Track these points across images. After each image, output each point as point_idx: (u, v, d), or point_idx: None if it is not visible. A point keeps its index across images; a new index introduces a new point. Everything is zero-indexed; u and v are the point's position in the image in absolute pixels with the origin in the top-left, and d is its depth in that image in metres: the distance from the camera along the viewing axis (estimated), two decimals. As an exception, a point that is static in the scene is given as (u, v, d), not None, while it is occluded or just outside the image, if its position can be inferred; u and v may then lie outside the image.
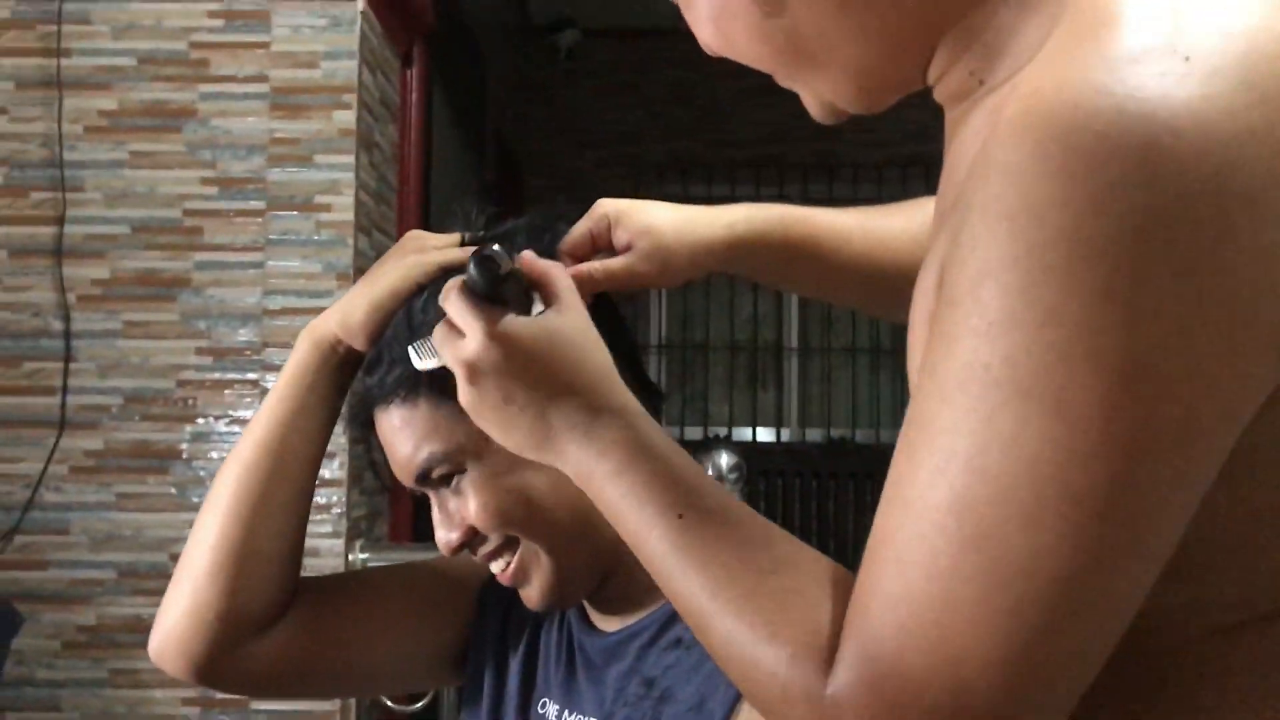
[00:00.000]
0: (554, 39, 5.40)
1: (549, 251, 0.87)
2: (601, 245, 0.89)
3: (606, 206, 0.89)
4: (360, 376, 0.90)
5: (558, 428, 0.69)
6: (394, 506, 2.45)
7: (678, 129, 5.55)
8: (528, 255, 0.74)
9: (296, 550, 0.93)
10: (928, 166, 5.40)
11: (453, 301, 0.71)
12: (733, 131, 5.50)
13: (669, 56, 5.56)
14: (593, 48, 5.51)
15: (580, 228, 0.89)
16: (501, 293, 0.71)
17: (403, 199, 2.52)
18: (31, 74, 2.16)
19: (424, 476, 0.85)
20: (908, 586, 0.50)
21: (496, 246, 0.71)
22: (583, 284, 0.84)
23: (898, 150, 5.40)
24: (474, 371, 0.69)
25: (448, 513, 0.86)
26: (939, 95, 0.63)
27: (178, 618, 0.91)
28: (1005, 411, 0.47)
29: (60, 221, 2.13)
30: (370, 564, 2.14)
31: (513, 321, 0.70)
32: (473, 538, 0.86)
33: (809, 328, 5.50)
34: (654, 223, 0.88)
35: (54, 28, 2.14)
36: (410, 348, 0.78)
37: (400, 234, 2.48)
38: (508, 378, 0.69)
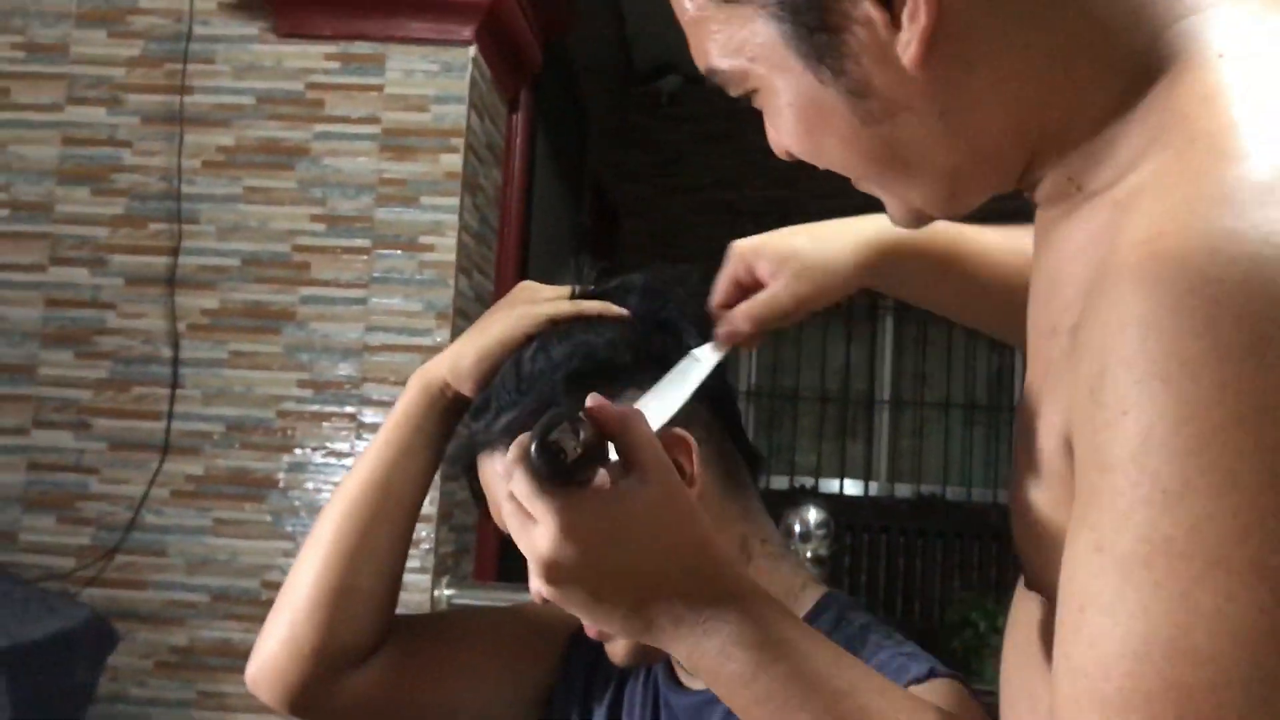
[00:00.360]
0: (655, 85, 5.46)
1: (671, 318, 0.88)
2: (748, 285, 0.88)
3: (741, 246, 0.89)
4: (466, 421, 0.91)
5: (660, 624, 0.63)
6: (480, 544, 2.47)
7: (776, 176, 5.55)
8: (597, 404, 0.65)
9: (394, 589, 0.95)
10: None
11: (518, 482, 0.63)
12: (833, 179, 5.46)
13: (770, 105, 5.58)
14: (693, 94, 5.55)
15: (723, 276, 0.88)
16: (571, 471, 0.62)
17: (503, 241, 2.56)
18: (156, 110, 2.25)
19: None
20: None
21: (557, 430, 0.61)
22: (754, 322, 0.83)
23: (1010, 202, 5.33)
24: (553, 575, 0.62)
25: None
26: (1034, 197, 0.62)
27: (275, 648, 0.92)
28: (1202, 586, 0.43)
29: (175, 252, 2.20)
30: (456, 601, 2.15)
31: (585, 507, 0.62)
32: None
33: (901, 380, 5.44)
34: (795, 247, 0.87)
35: (179, 66, 2.23)
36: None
37: (499, 276, 2.52)
38: (592, 577, 0.62)
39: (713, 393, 0.83)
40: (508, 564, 2.60)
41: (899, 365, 5.42)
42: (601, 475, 0.64)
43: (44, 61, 2.28)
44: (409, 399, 0.94)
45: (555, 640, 1.00)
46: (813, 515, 1.97)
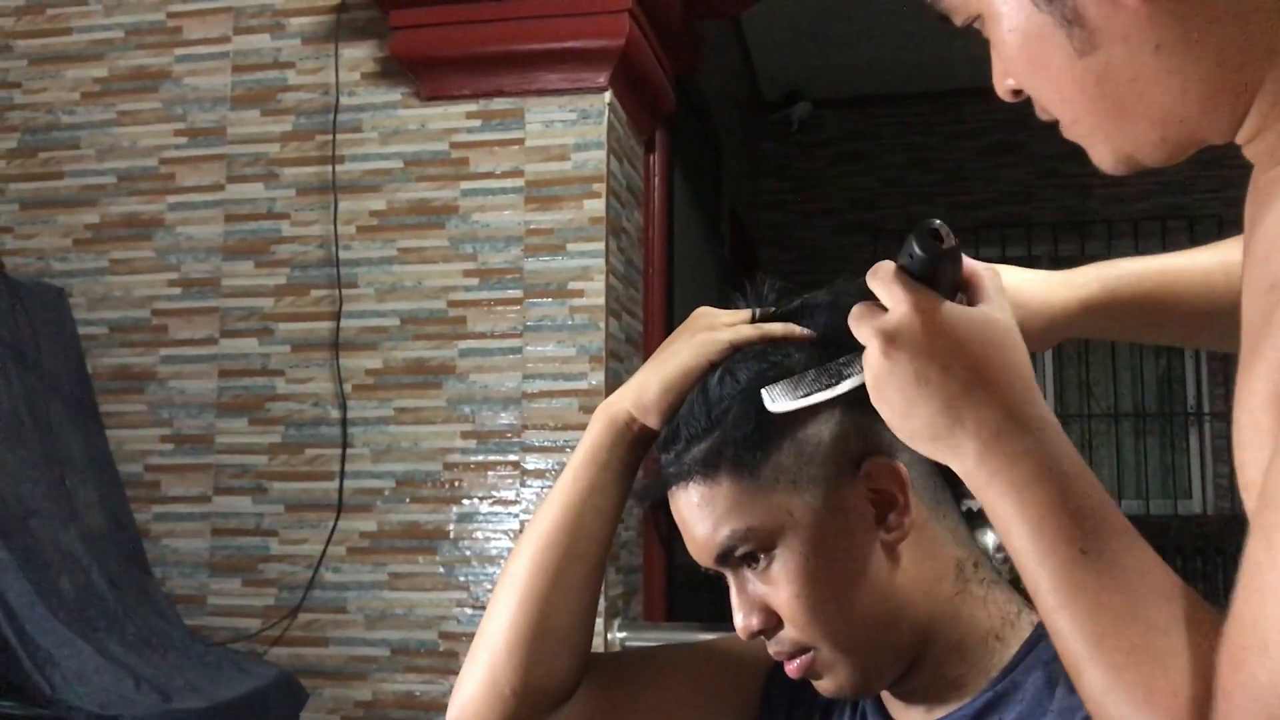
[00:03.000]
0: (785, 113, 5.44)
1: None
2: None
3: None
4: (655, 454, 0.90)
5: (967, 421, 0.65)
6: (648, 585, 2.46)
7: (915, 193, 5.46)
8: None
9: (589, 627, 0.94)
10: (1190, 220, 5.09)
11: (882, 274, 0.70)
12: (974, 192, 5.37)
13: (902, 122, 5.49)
14: (824, 118, 5.52)
15: None
16: (936, 276, 0.69)
17: (648, 281, 2.57)
18: (310, 180, 2.33)
19: (725, 555, 0.84)
20: (1274, 678, 0.47)
21: (939, 221, 0.69)
22: None
23: (1157, 202, 5.13)
24: (892, 341, 0.67)
25: (747, 596, 0.84)
26: (1249, 153, 0.60)
27: (475, 691, 0.92)
28: None
29: (337, 316, 2.27)
30: (628, 643, 2.15)
31: (943, 301, 0.68)
32: (774, 625, 0.84)
33: (1065, 393, 5.25)
34: (1015, 284, 0.85)
35: (329, 137, 2.31)
36: (763, 391, 0.78)
37: (647, 316, 2.52)
38: (926, 356, 0.66)
39: None
40: (676, 604, 2.59)
41: (1061, 377, 5.24)
42: None
43: (204, 145, 2.39)
44: (595, 435, 0.93)
45: (753, 678, 0.98)
46: (990, 539, 1.90)
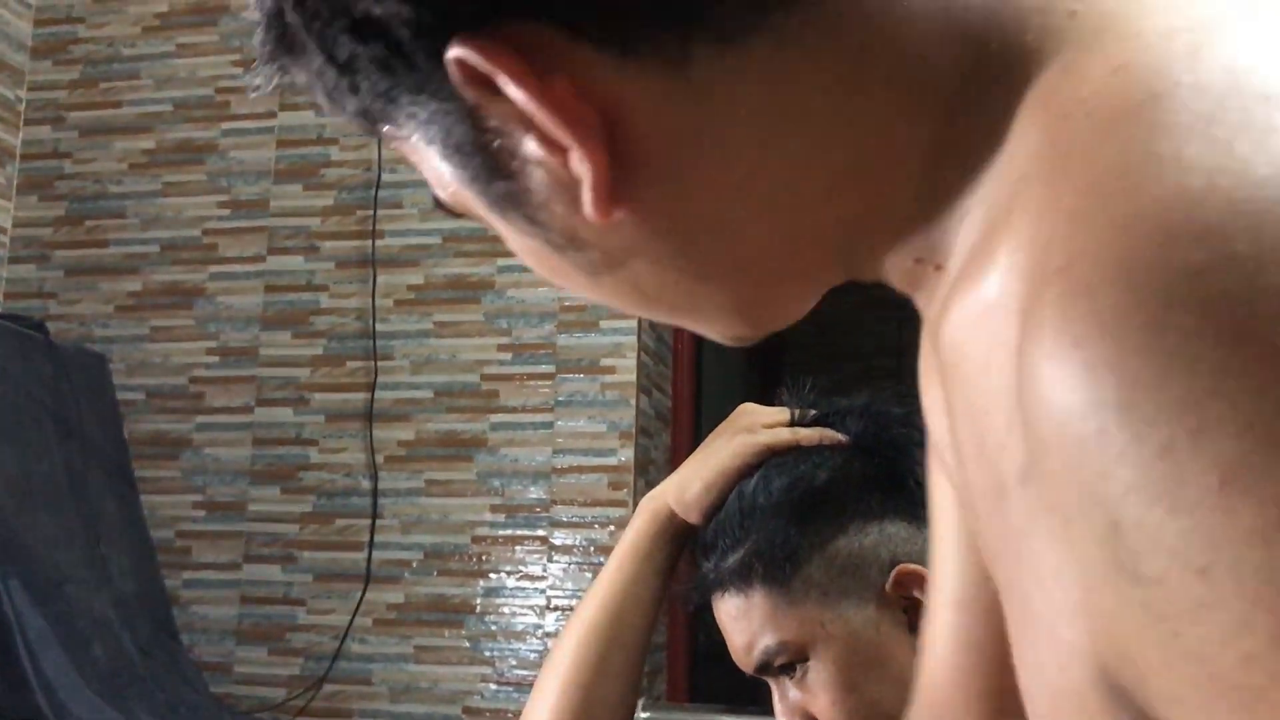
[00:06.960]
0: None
1: (892, 443, 0.88)
2: None
3: None
4: (698, 558, 0.92)
5: None
6: (671, 664, 2.45)
7: (941, 272, 5.48)
8: None
9: (629, 717, 0.95)
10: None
11: None
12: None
13: (930, 200, 5.53)
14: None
15: None
16: None
17: (678, 357, 2.59)
18: (349, 254, 2.38)
19: (764, 668, 0.86)
20: None
21: None
22: None
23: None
24: None
25: (789, 703, 0.87)
26: (892, 284, 0.45)
27: None
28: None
29: (372, 388, 2.30)
30: (653, 724, 2.13)
31: None
32: None
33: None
34: None
35: (370, 212, 2.36)
36: None
37: (675, 392, 2.54)
38: None
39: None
40: (699, 684, 2.57)
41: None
42: None
43: (247, 217, 2.44)
44: (639, 528, 0.95)
45: None
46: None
